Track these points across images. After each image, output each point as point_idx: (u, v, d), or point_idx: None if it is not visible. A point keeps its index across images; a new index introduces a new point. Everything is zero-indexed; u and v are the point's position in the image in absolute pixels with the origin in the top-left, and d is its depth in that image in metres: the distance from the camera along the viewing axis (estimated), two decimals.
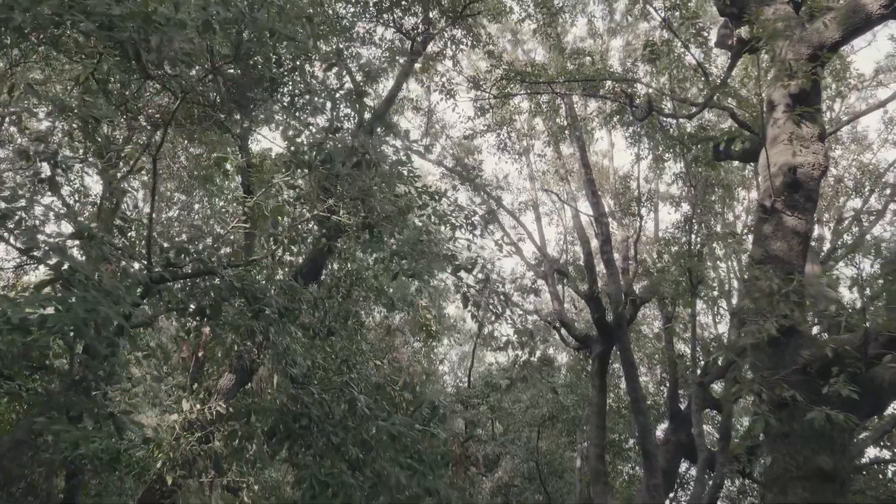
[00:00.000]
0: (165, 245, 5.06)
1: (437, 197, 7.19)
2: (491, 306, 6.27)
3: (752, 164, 20.18)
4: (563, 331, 21.26)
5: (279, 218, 5.83)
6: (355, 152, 5.11)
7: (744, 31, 10.81)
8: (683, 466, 22.96)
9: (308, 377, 6.02)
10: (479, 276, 6.18)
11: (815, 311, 8.44)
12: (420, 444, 5.56)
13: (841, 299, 11.31)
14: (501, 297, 6.24)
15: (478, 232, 7.49)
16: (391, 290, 13.29)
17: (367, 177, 5.33)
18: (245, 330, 6.17)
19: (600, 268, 20.87)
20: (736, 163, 22.58)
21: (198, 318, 4.95)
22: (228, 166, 13.04)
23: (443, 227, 7.11)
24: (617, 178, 22.42)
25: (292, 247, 5.71)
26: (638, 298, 19.27)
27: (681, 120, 15.84)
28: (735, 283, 22.33)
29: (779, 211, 8.94)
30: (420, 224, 6.69)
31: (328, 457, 5.33)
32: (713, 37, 14.78)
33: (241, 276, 5.02)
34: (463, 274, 6.88)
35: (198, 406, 9.39)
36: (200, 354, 9.37)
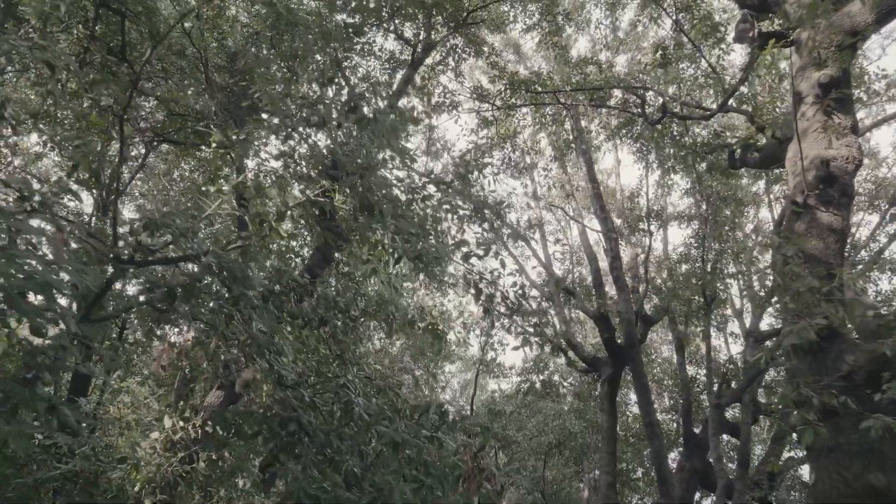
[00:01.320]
0: (136, 219, 4.35)
1: (442, 186, 6.50)
2: (507, 301, 5.56)
3: (765, 173, 19.53)
4: (570, 353, 20.42)
5: (262, 188, 5.16)
6: (353, 100, 4.43)
7: (765, 25, 10.27)
8: (697, 495, 21.97)
9: (300, 381, 5.27)
10: (493, 260, 5.48)
11: (854, 316, 7.68)
12: (427, 455, 4.81)
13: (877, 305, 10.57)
14: (518, 289, 5.54)
15: (486, 225, 6.79)
16: (392, 308, 12.49)
17: (365, 138, 4.65)
18: (228, 329, 5.43)
19: (606, 288, 20.14)
20: (745, 180, 22.05)
21: (167, 303, 4.23)
22: (225, 186, 12.37)
23: (449, 217, 6.41)
24: (623, 197, 21.78)
25: (282, 226, 5.02)
26: (650, 317, 18.48)
27: (694, 129, 15.26)
28: (748, 305, 21.61)
29: (812, 207, 8.27)
30: (424, 213, 5.99)
31: (320, 469, 4.57)
32: (728, 39, 14.27)
33: (218, 255, 4.30)
34: (474, 270, 6.18)
35: (181, 423, 8.59)
36: (186, 368, 8.58)
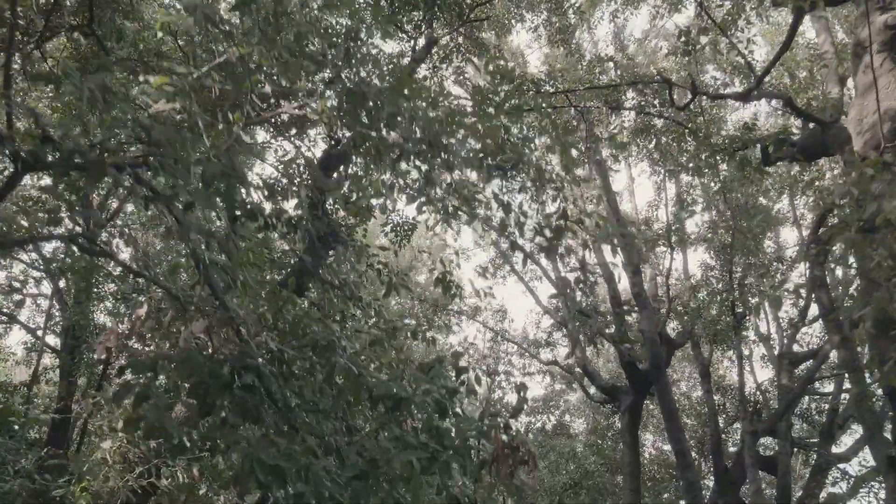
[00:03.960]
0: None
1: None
2: (544, 230, 4.27)
3: (790, 187, 18.27)
4: (585, 382, 18.86)
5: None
6: None
7: None
8: None
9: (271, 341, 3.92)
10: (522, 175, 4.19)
11: None
12: (438, 422, 3.43)
13: None
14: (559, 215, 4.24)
15: (508, 167, 5.53)
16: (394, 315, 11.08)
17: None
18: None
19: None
20: (763, 201, 20.78)
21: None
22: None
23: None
24: (639, 219, 20.50)
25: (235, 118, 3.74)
26: (673, 340, 16.98)
27: (721, 127, 14.11)
28: (773, 329, 20.16)
29: (890, 164, 6.99)
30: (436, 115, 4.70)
31: (289, 436, 3.19)
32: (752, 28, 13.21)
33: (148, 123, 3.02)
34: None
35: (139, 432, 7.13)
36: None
